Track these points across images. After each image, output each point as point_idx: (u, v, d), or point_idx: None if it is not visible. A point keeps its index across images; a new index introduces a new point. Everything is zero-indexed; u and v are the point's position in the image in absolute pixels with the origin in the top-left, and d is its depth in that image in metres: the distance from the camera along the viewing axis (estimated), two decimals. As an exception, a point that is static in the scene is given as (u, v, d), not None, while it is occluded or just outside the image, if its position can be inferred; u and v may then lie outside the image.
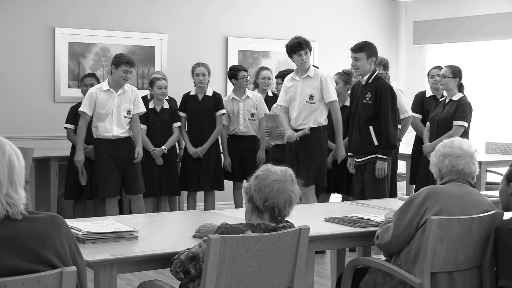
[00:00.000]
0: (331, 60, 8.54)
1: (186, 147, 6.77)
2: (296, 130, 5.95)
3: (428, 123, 6.42)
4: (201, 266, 2.71)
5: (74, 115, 6.58)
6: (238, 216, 3.59)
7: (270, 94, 7.21)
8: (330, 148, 6.33)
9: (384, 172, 5.53)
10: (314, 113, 5.93)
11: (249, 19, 8.35)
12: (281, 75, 6.65)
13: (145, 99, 6.58)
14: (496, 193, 4.65)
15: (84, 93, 6.46)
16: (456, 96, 6.17)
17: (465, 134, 6.06)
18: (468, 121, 6.14)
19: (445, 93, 6.36)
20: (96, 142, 6.08)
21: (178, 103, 6.94)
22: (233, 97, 6.95)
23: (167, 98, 6.84)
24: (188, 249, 2.82)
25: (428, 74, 6.94)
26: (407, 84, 9.31)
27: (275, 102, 6.47)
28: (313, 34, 7.98)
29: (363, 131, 5.61)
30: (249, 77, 7.08)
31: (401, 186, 7.61)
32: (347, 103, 6.31)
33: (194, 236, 3.21)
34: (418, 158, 6.55)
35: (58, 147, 6.96)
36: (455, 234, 3.22)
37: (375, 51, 5.63)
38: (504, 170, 7.70)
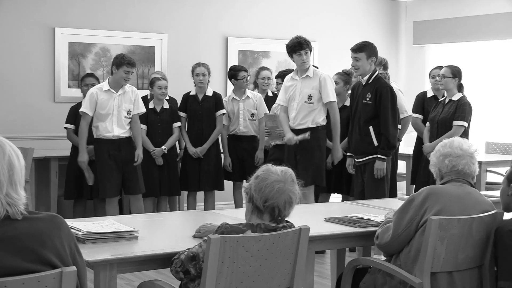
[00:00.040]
0: (331, 60, 8.54)
1: (186, 147, 6.77)
2: (295, 130, 5.95)
3: (427, 124, 6.42)
4: (201, 266, 2.71)
5: (74, 115, 6.59)
6: (238, 216, 3.59)
7: (270, 94, 7.21)
8: (330, 148, 6.32)
9: (383, 172, 5.53)
10: (313, 113, 5.93)
11: (249, 19, 8.35)
12: (281, 75, 6.65)
13: (145, 99, 6.58)
14: (496, 193, 4.64)
15: (84, 92, 6.47)
16: (456, 96, 6.17)
17: (465, 134, 6.06)
18: (468, 121, 6.14)
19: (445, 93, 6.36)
20: (96, 142, 6.08)
21: (179, 103, 6.94)
22: (233, 97, 6.96)
23: (167, 98, 6.84)
24: (188, 249, 2.82)
25: (430, 74, 6.94)
26: (407, 84, 9.32)
27: (275, 102, 6.47)
28: (313, 34, 7.97)
29: (363, 131, 5.61)
30: (249, 77, 7.08)
31: (401, 186, 7.61)
32: (347, 103, 6.30)
33: (194, 236, 3.21)
34: (419, 159, 6.55)
35: (58, 147, 6.96)
36: (455, 234, 3.22)
37: (375, 51, 5.62)
38: (504, 170, 7.75)
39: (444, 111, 6.19)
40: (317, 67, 6.33)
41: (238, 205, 7.01)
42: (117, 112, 6.01)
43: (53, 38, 7.24)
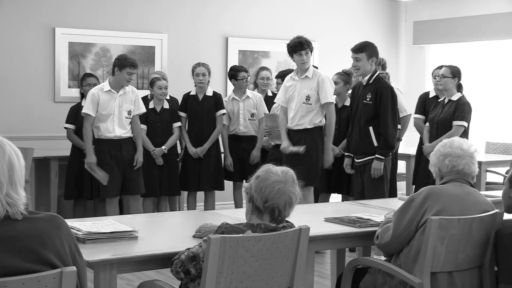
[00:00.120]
0: (331, 60, 8.54)
1: (186, 147, 6.77)
2: (292, 131, 5.94)
3: (427, 124, 6.42)
4: (201, 266, 2.71)
5: (74, 115, 6.59)
6: (238, 216, 3.59)
7: (270, 94, 7.21)
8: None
9: (380, 172, 5.52)
10: (310, 114, 5.92)
11: (249, 19, 8.35)
12: (281, 75, 6.65)
13: (145, 99, 6.59)
14: (496, 193, 4.65)
15: (85, 92, 6.47)
16: (455, 96, 6.17)
17: (465, 134, 6.06)
18: (468, 121, 6.15)
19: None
20: (97, 143, 6.08)
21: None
22: (233, 97, 6.96)
23: (167, 98, 6.84)
24: (188, 249, 2.82)
25: (432, 74, 6.93)
26: (407, 84, 9.32)
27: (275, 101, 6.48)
28: (313, 34, 7.97)
29: (363, 132, 5.61)
30: (249, 77, 7.08)
31: (401, 186, 7.61)
32: (347, 103, 6.31)
33: (194, 236, 3.21)
34: (421, 159, 6.55)
35: (58, 147, 6.96)
36: (455, 234, 3.22)
37: (375, 51, 5.62)
38: (504, 170, 7.74)
39: (444, 111, 6.19)
40: (316, 67, 6.33)
41: (238, 205, 7.01)
42: (118, 113, 6.01)
43: (53, 38, 7.24)
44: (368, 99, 5.56)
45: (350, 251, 5.96)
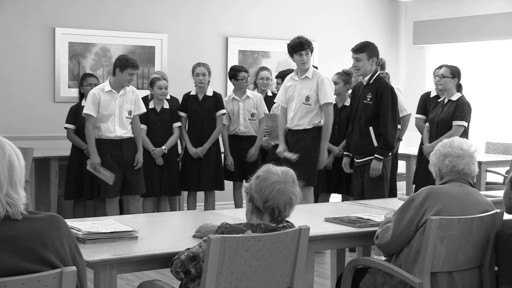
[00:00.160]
0: (331, 60, 8.54)
1: (186, 147, 6.77)
2: (292, 131, 5.94)
3: (427, 124, 6.42)
4: (202, 266, 2.70)
5: (74, 115, 6.59)
6: (238, 216, 3.59)
7: (269, 94, 7.22)
8: (330, 149, 6.33)
9: (378, 172, 5.51)
10: (310, 115, 5.91)
11: (249, 19, 8.35)
12: (281, 75, 6.65)
13: (145, 99, 6.59)
14: (496, 193, 4.65)
15: (85, 92, 6.47)
16: (455, 96, 6.17)
17: (464, 133, 6.06)
18: (468, 121, 6.15)
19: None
20: (98, 143, 6.07)
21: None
22: (233, 97, 6.96)
23: (168, 97, 6.84)
24: (188, 249, 2.82)
25: (433, 74, 6.93)
26: (407, 84, 9.32)
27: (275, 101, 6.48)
28: (313, 34, 7.96)
29: (363, 132, 5.60)
30: (249, 78, 7.08)
31: (401, 186, 7.61)
32: (347, 103, 6.31)
33: (194, 236, 3.21)
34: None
35: (58, 147, 6.96)
36: (455, 234, 3.22)
37: (376, 51, 5.61)
38: (504, 170, 7.73)
39: (444, 111, 6.19)
40: (316, 68, 6.33)
41: (238, 205, 7.01)
42: (118, 113, 6.02)
43: (53, 38, 7.24)
44: (368, 99, 5.56)
45: (350, 251, 5.96)
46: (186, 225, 3.74)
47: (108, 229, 3.15)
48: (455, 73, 6.17)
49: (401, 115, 6.33)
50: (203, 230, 3.18)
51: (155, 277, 4.04)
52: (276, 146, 6.37)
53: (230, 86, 7.65)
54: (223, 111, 6.78)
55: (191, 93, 6.80)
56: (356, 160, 5.71)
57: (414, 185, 6.64)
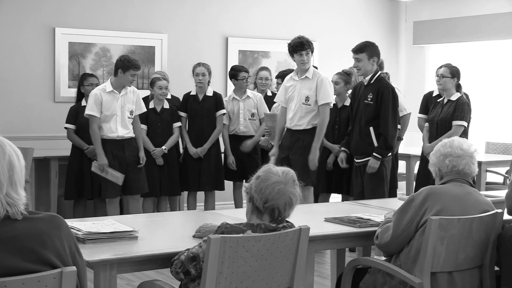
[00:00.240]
0: (331, 60, 8.54)
1: (187, 147, 6.77)
2: (291, 131, 5.93)
3: (427, 124, 6.42)
4: (202, 266, 2.70)
5: (74, 115, 6.58)
6: (238, 216, 3.59)
7: (269, 94, 7.22)
8: (331, 149, 6.33)
9: (374, 170, 5.51)
10: (309, 115, 5.90)
11: (249, 19, 8.35)
12: (281, 75, 6.65)
13: (146, 99, 6.59)
14: (496, 193, 4.65)
15: (86, 92, 6.47)
16: (454, 96, 6.17)
17: (464, 133, 6.06)
18: (467, 121, 6.15)
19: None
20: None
21: (181, 103, 6.95)
22: (233, 97, 6.96)
23: (169, 97, 6.84)
24: (188, 249, 2.82)
25: (436, 73, 6.92)
26: (407, 84, 9.32)
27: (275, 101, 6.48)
28: (313, 34, 7.96)
29: (364, 132, 5.60)
30: (249, 78, 7.08)
31: (401, 186, 7.61)
32: (347, 103, 6.31)
33: (194, 236, 3.21)
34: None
35: (58, 147, 6.96)
36: (455, 234, 3.22)
37: (376, 51, 5.60)
38: (503, 170, 7.73)
39: (443, 111, 6.19)
40: (316, 68, 6.32)
41: (238, 205, 7.01)
42: (120, 113, 6.02)
43: (53, 38, 7.24)
44: (369, 99, 5.55)
45: (350, 251, 5.96)
46: (186, 225, 3.74)
47: (108, 229, 3.15)
48: (454, 73, 6.17)
49: (400, 114, 6.32)
50: (203, 230, 3.18)
51: (155, 277, 4.04)
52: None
53: (230, 86, 7.65)
54: (223, 111, 6.78)
55: (191, 93, 6.80)
56: (356, 160, 5.71)
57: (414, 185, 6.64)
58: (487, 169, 7.14)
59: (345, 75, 6.38)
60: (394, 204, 4.20)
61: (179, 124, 6.70)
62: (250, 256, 2.71)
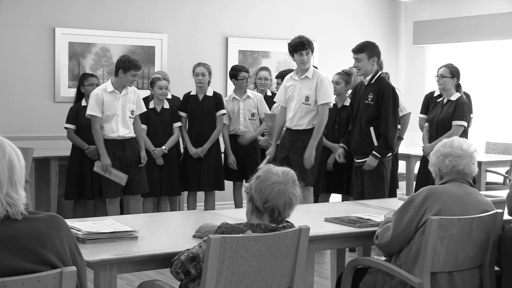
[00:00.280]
0: (331, 60, 8.54)
1: (187, 147, 6.77)
2: (291, 130, 5.92)
3: (426, 124, 6.42)
4: (202, 266, 2.70)
5: (74, 115, 6.58)
6: (238, 216, 3.59)
7: (269, 93, 7.22)
8: (331, 149, 6.32)
9: (370, 167, 5.51)
10: (310, 115, 5.90)
11: (249, 19, 8.35)
12: (281, 75, 6.65)
13: (146, 99, 6.59)
14: (496, 193, 4.65)
15: (86, 92, 6.47)
16: (454, 96, 6.17)
17: (464, 133, 6.06)
18: (467, 121, 6.15)
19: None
20: None
21: (182, 103, 6.95)
22: (233, 97, 6.96)
23: (169, 97, 6.85)
24: (188, 249, 2.82)
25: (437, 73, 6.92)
26: (407, 84, 9.32)
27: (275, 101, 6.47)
28: (313, 34, 7.95)
29: (364, 132, 5.59)
30: (249, 78, 7.08)
31: (401, 186, 7.61)
32: (347, 103, 6.31)
33: (194, 236, 3.21)
34: None
35: (58, 147, 6.96)
36: (455, 234, 3.22)
37: (376, 50, 5.60)
38: (503, 170, 7.73)
39: (443, 111, 6.19)
40: (316, 67, 6.32)
41: (238, 205, 7.01)
42: (122, 113, 6.02)
43: (53, 38, 7.24)
44: (369, 99, 5.55)
45: (350, 251, 5.96)
46: (186, 225, 3.74)
47: (108, 229, 3.15)
48: (454, 73, 6.17)
49: (400, 114, 6.32)
50: (203, 230, 3.18)
51: (155, 277, 4.04)
52: (276, 146, 6.37)
53: (230, 86, 7.65)
54: (223, 111, 6.78)
55: (191, 93, 6.80)
56: (356, 160, 5.71)
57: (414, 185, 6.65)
58: (487, 169, 7.14)
59: (346, 75, 6.38)
60: (394, 204, 4.20)
61: (179, 124, 6.70)
62: (250, 256, 2.71)
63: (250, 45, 8.33)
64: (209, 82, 6.76)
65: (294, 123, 5.94)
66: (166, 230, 3.61)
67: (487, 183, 7.19)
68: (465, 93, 6.78)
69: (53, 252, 2.16)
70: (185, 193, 7.01)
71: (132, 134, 6.12)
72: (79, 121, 6.49)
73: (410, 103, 6.93)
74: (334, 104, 6.33)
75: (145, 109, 6.26)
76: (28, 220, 2.15)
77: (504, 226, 3.39)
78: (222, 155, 6.98)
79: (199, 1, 8.02)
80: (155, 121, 6.60)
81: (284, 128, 6.12)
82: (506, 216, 3.46)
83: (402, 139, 6.53)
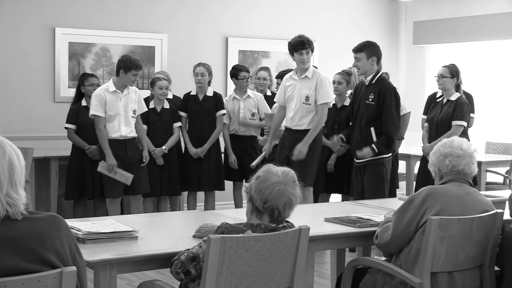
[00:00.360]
0: (331, 60, 8.54)
1: (187, 147, 6.77)
2: (292, 130, 5.92)
3: (426, 124, 6.42)
4: (202, 266, 2.70)
5: (74, 115, 6.57)
6: (238, 216, 3.59)
7: (269, 93, 7.22)
8: (331, 148, 6.32)
9: (363, 158, 5.50)
10: (310, 115, 5.89)
11: (249, 19, 8.35)
12: (281, 75, 6.64)
13: (146, 99, 6.59)
14: (496, 193, 4.65)
15: (87, 92, 6.46)
16: (454, 96, 6.18)
17: (464, 133, 6.06)
18: (467, 121, 6.15)
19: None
20: None
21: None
22: (234, 96, 6.96)
23: (170, 97, 6.84)
24: (188, 249, 2.82)
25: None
26: (407, 84, 9.32)
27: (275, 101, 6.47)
28: (313, 34, 7.94)
29: (364, 132, 5.59)
30: (250, 78, 7.07)
31: (401, 186, 7.61)
32: (346, 103, 6.31)
33: (194, 236, 3.21)
34: None
35: (58, 147, 6.96)
36: (455, 234, 3.22)
37: (375, 50, 5.59)
38: (504, 170, 7.73)
39: (443, 111, 6.19)
40: (316, 67, 6.32)
41: (238, 205, 7.01)
42: (124, 112, 6.02)
43: (53, 38, 7.24)
44: (370, 100, 5.55)
45: (350, 251, 5.96)
46: (186, 225, 3.74)
47: (108, 229, 3.15)
48: (454, 73, 6.17)
49: (400, 113, 6.32)
50: (203, 230, 3.18)
51: (155, 277, 4.04)
52: (276, 146, 6.38)
53: (230, 86, 7.65)
54: (223, 111, 6.78)
55: (191, 93, 6.80)
56: (356, 161, 5.71)
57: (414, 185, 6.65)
58: (487, 169, 7.14)
59: (347, 75, 6.38)
60: (394, 204, 4.20)
61: (179, 124, 6.70)
62: (250, 256, 2.71)
63: (250, 45, 8.33)
64: (209, 82, 6.76)
65: (294, 123, 5.93)
66: (166, 230, 3.61)
67: (487, 183, 7.19)
68: (467, 93, 6.79)
69: (53, 252, 2.16)
70: (185, 193, 7.01)
71: (134, 134, 6.12)
72: (80, 121, 6.49)
73: (410, 103, 6.93)
74: (333, 104, 6.34)
75: (146, 109, 6.27)
76: (28, 220, 2.15)
77: (504, 226, 3.39)
78: (222, 155, 6.98)
79: (199, 1, 8.02)
80: (155, 121, 6.60)
81: (283, 127, 6.12)
82: (506, 216, 3.46)
83: (403, 138, 6.53)
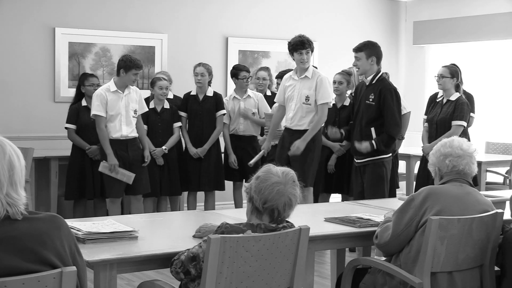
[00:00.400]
0: (331, 60, 8.54)
1: (187, 147, 6.77)
2: (292, 130, 5.92)
3: (426, 124, 6.42)
4: (202, 266, 2.70)
5: (75, 115, 6.57)
6: (238, 216, 3.59)
7: (268, 93, 7.22)
8: (331, 148, 6.32)
9: (360, 151, 5.50)
10: (310, 115, 5.89)
11: (249, 19, 8.35)
12: (281, 75, 6.64)
13: (147, 100, 6.59)
14: (496, 193, 4.65)
15: (87, 92, 6.46)
16: (454, 96, 6.18)
17: (464, 133, 6.06)
18: (467, 121, 6.15)
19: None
20: None
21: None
22: (234, 96, 6.96)
23: (171, 97, 6.84)
24: (188, 249, 2.82)
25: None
26: (407, 84, 9.32)
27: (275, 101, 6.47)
28: (313, 34, 7.94)
29: (364, 132, 5.58)
30: (250, 78, 7.07)
31: (401, 186, 7.61)
32: (346, 103, 6.31)
33: (194, 236, 3.21)
34: None
35: (58, 147, 6.96)
36: (455, 234, 3.22)
37: (375, 50, 5.58)
38: (504, 170, 7.74)
39: (443, 111, 6.20)
40: (315, 67, 6.32)
41: (238, 205, 7.01)
42: (125, 112, 6.02)
43: (53, 38, 7.24)
44: (370, 100, 5.54)
45: (350, 251, 5.96)
46: (186, 225, 3.74)
47: (108, 229, 3.15)
48: (454, 73, 6.18)
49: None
50: (203, 230, 3.18)
51: (155, 277, 4.04)
52: (276, 146, 6.38)
53: (230, 86, 7.64)
54: (223, 111, 6.78)
55: (191, 93, 6.80)
56: (356, 161, 5.70)
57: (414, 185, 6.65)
58: (487, 169, 7.14)
59: (347, 75, 6.38)
60: (394, 204, 4.20)
61: (179, 124, 6.70)
62: (250, 256, 2.71)
63: (250, 45, 8.33)
64: (209, 82, 6.76)
65: (294, 123, 5.93)
66: (166, 230, 3.61)
67: (487, 183, 7.19)
68: (468, 93, 6.79)
69: (53, 252, 2.16)
70: (185, 193, 7.01)
71: (135, 134, 6.12)
72: (80, 121, 6.49)
73: (410, 103, 6.94)
74: (333, 104, 6.33)
75: (147, 109, 6.27)
76: (28, 220, 2.15)
77: (504, 226, 3.39)
78: (222, 155, 6.98)
79: (199, 1, 8.02)
80: (155, 121, 6.60)
81: (282, 127, 6.12)
82: (506, 216, 3.46)
83: (403, 138, 6.53)
